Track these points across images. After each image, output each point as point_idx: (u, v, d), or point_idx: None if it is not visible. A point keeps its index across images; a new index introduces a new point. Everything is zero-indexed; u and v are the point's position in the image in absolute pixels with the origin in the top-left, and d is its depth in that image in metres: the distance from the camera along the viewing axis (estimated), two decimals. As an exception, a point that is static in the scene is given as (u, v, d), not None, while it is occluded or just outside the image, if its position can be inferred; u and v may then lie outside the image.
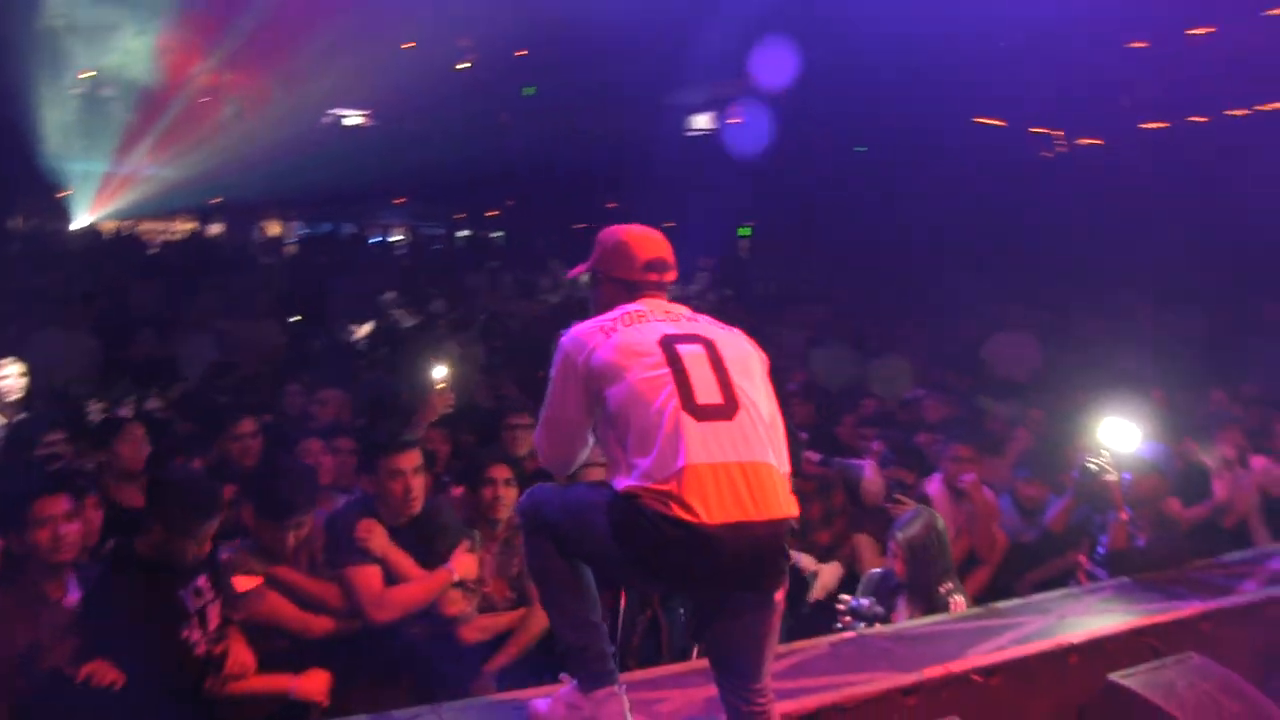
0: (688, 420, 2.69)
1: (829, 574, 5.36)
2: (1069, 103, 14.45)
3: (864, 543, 5.35)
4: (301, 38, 17.80)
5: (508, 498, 4.67)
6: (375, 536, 4.32)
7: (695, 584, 2.74)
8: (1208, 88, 12.65)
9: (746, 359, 2.91)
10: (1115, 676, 3.56)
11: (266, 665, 4.02)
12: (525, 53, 21.46)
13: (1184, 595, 4.23)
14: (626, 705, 2.94)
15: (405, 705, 4.02)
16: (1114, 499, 4.59)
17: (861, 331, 11.67)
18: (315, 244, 18.76)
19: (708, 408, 2.73)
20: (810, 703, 3.29)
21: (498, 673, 4.46)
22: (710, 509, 2.60)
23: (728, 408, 2.75)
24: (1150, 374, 8.97)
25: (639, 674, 3.59)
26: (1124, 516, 4.58)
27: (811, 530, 5.45)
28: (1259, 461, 6.36)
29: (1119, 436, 4.56)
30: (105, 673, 3.64)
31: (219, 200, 19.16)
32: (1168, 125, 13.42)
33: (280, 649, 4.19)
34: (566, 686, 3.04)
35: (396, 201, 22.91)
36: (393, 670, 4.34)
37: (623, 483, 2.68)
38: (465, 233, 22.88)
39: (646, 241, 3.09)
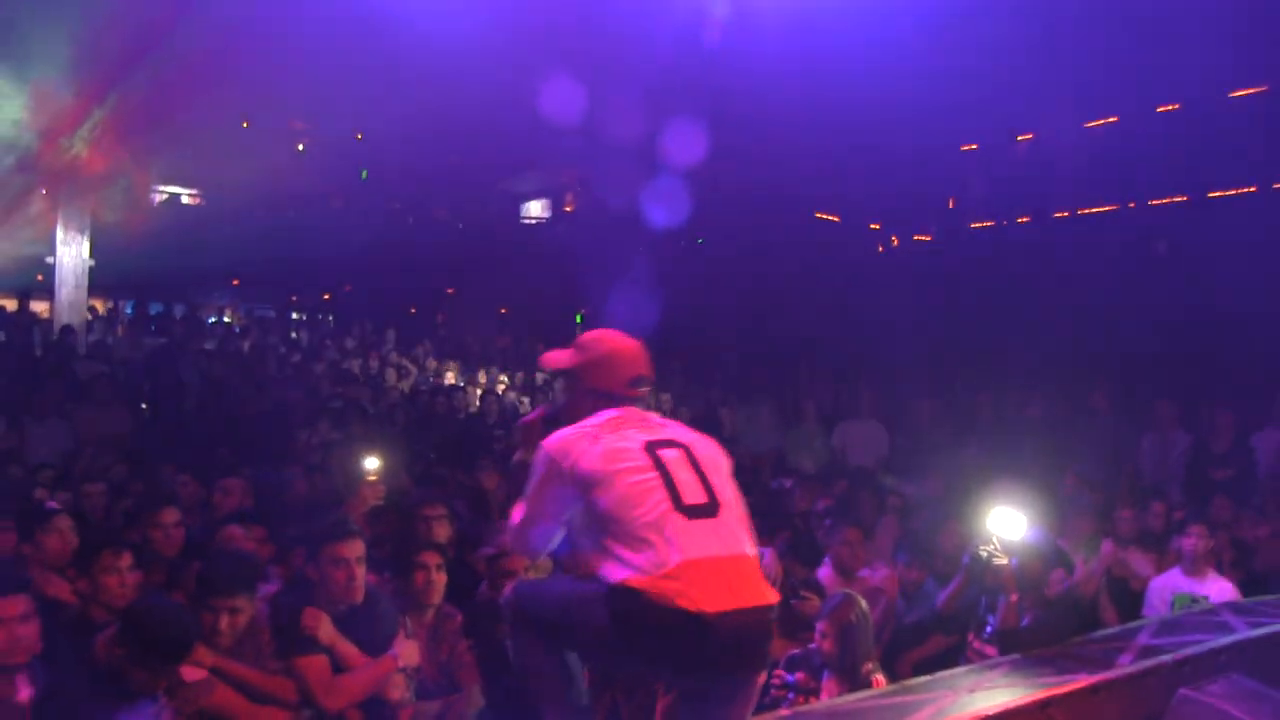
0: (679, 519, 2.89)
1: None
2: (901, 200, 15.45)
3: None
4: (132, 115, 17.28)
5: (439, 583, 4.76)
6: (322, 625, 4.36)
7: (692, 669, 2.87)
8: (1035, 189, 13.82)
9: (717, 459, 3.17)
10: (1032, 748, 3.84)
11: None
12: (360, 136, 21.45)
13: (1073, 669, 4.58)
14: None
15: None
16: (1005, 583, 4.95)
17: (718, 420, 12.05)
18: (149, 323, 18.00)
19: (694, 507, 2.95)
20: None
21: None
22: (707, 598, 2.78)
23: (711, 506, 2.97)
24: (990, 460, 9.65)
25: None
26: (1014, 599, 4.94)
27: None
28: (1107, 545, 6.93)
29: (1007, 524, 4.94)
30: None
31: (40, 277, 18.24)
32: (993, 224, 14.53)
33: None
34: None
35: (233, 283, 22.28)
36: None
37: (618, 575, 2.80)
38: (297, 315, 22.37)
39: (632, 358, 3.27)
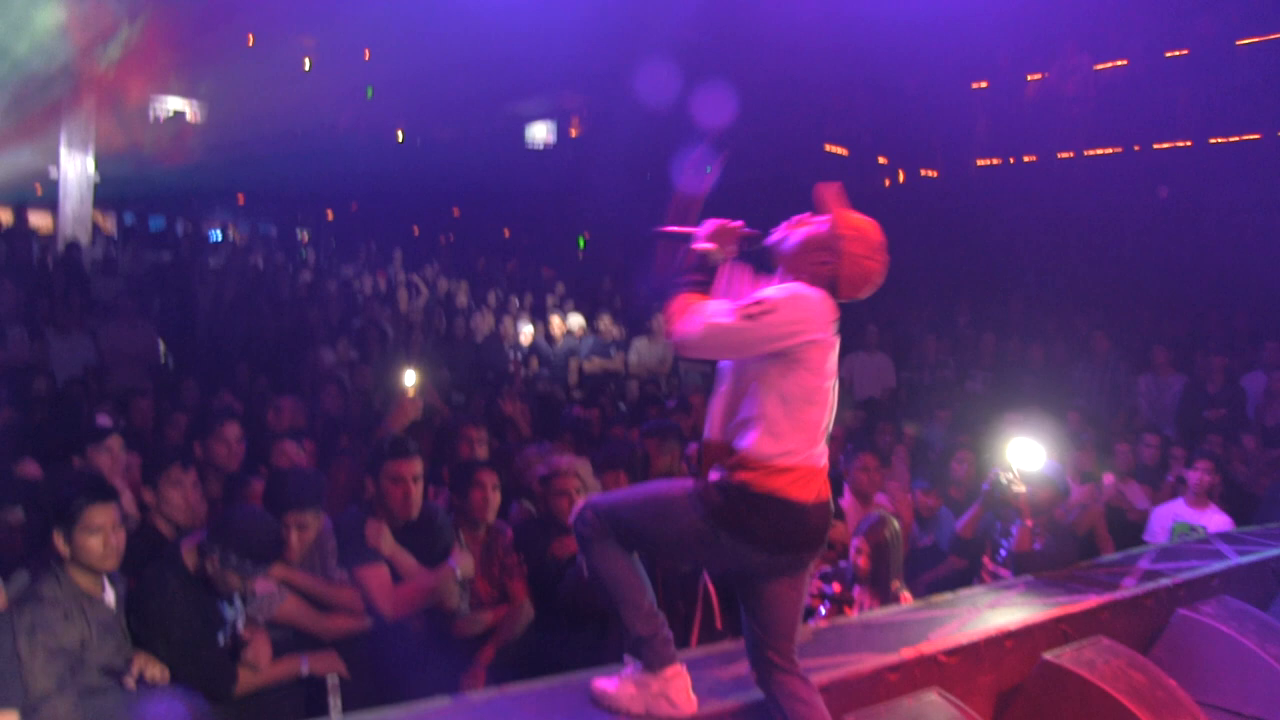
0: (823, 436, 3.30)
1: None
2: (911, 136, 15.62)
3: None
4: (142, 26, 17.21)
5: (495, 501, 5.05)
6: (384, 537, 4.64)
7: (787, 549, 3.24)
8: (1040, 130, 14.02)
9: None
10: (1048, 655, 4.27)
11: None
12: (368, 54, 21.37)
13: (1082, 590, 5.01)
14: (689, 679, 3.42)
15: (411, 697, 4.39)
16: (1020, 509, 5.35)
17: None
18: (151, 238, 18.08)
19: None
20: (817, 680, 3.83)
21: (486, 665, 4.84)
22: (816, 492, 3.24)
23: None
24: (994, 396, 10.04)
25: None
26: (1029, 524, 5.34)
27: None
28: (1108, 478, 7.35)
29: (1026, 454, 5.33)
30: (152, 668, 3.88)
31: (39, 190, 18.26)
32: (1000, 162, 14.74)
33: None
34: (630, 668, 3.47)
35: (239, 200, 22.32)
36: (397, 663, 4.65)
37: (763, 448, 3.18)
38: (305, 233, 22.46)
39: (873, 282, 3.39)
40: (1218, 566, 5.58)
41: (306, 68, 21.32)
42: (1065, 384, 10.18)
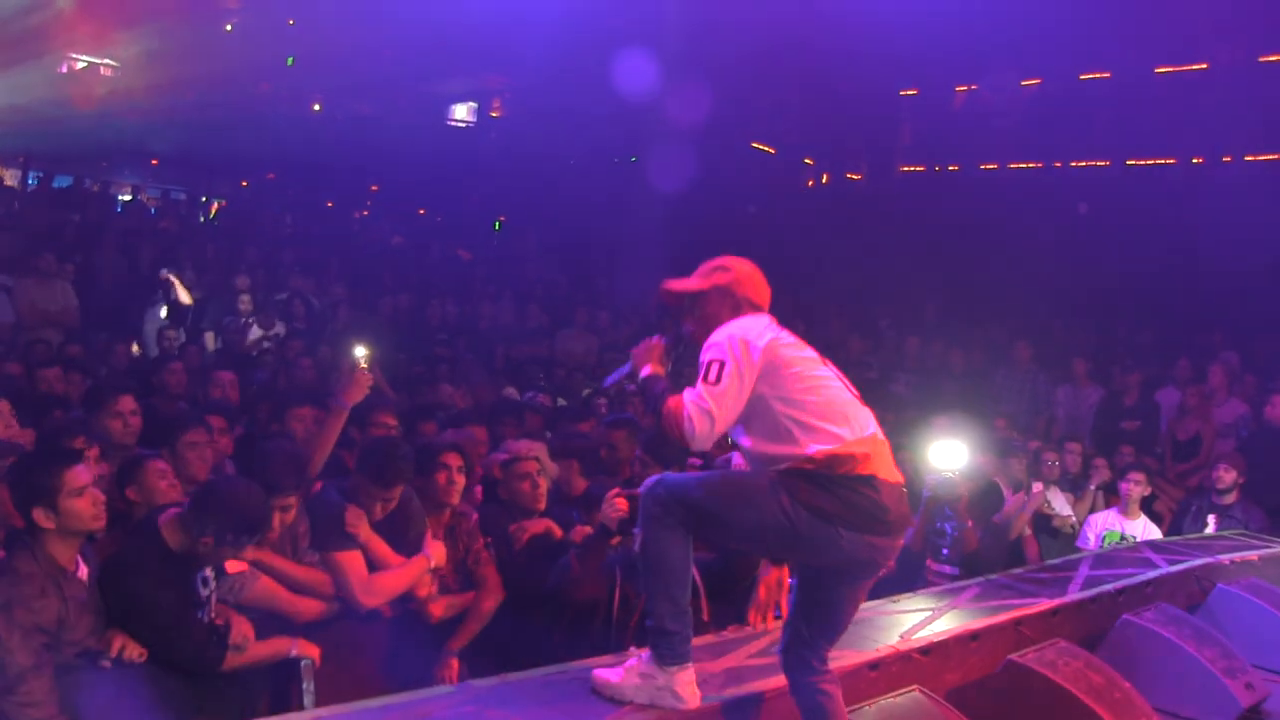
0: (856, 403, 3.41)
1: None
2: (838, 138, 15.91)
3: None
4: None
5: (460, 484, 5.01)
6: (361, 524, 4.58)
7: (873, 533, 3.28)
8: (965, 140, 14.43)
9: None
10: (1015, 656, 4.44)
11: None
12: (292, 22, 20.90)
13: (1033, 592, 5.23)
14: (694, 675, 3.47)
15: (382, 682, 4.36)
16: (959, 511, 5.55)
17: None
18: (59, 197, 17.40)
19: (856, 395, 3.46)
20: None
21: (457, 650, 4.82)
22: (889, 470, 3.33)
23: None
24: (916, 398, 10.31)
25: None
26: (969, 524, 5.54)
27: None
28: (1037, 485, 7.62)
29: (949, 455, 5.53)
30: (131, 647, 3.78)
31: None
32: (924, 170, 15.12)
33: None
34: (636, 659, 3.51)
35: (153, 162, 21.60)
36: (367, 649, 4.61)
37: (811, 447, 3.26)
38: (219, 202, 21.88)
39: (762, 279, 3.67)
40: (1152, 574, 5.86)
41: (228, 29, 20.72)
42: (987, 390, 10.49)
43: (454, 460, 5.04)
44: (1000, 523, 6.77)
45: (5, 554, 3.83)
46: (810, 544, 3.29)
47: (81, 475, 3.77)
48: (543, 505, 5.30)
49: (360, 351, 6.08)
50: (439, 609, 4.84)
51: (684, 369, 3.66)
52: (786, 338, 3.45)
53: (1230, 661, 5.02)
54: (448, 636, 4.81)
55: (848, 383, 3.49)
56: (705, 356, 3.37)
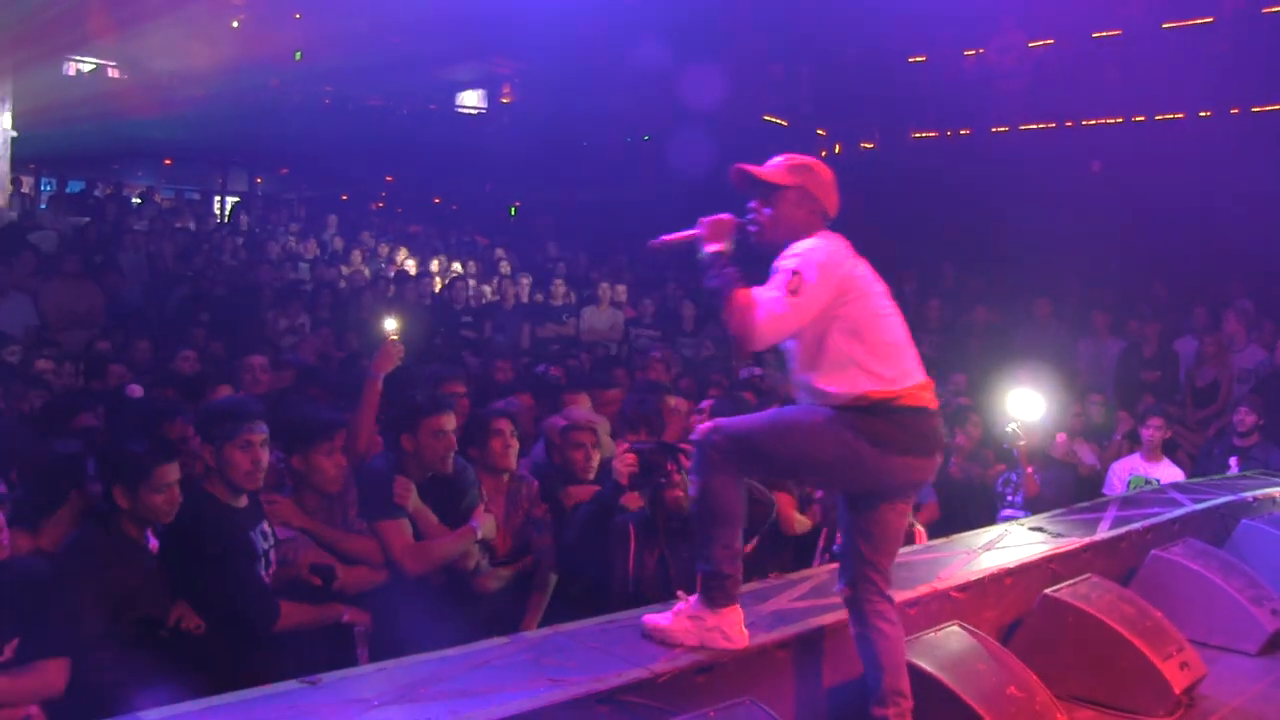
0: (910, 344, 3.54)
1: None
2: (849, 108, 15.95)
3: (783, 500, 6.15)
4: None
5: (515, 448, 5.16)
6: (409, 494, 4.72)
7: (925, 455, 3.46)
8: (976, 104, 14.48)
9: None
10: (1049, 591, 4.58)
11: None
12: (299, 16, 21.03)
13: (1065, 533, 5.37)
14: (742, 616, 3.62)
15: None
16: (1020, 459, 5.70)
17: (680, 311, 12.58)
18: (73, 202, 17.60)
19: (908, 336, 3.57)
20: (845, 615, 4.05)
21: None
22: (932, 399, 3.50)
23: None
24: (941, 357, 10.44)
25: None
26: (1029, 470, 5.69)
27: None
28: (1060, 436, 7.74)
29: (1026, 405, 5.68)
30: (189, 617, 3.95)
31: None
32: (936, 135, 15.17)
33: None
34: (685, 603, 3.65)
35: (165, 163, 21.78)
36: (417, 619, 4.74)
37: (865, 386, 3.37)
38: (233, 199, 22.04)
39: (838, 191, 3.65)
40: (1178, 512, 6.00)
41: (235, 26, 20.84)
42: (1009, 346, 10.60)
43: (505, 426, 5.18)
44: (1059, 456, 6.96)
45: (80, 527, 4.01)
46: (874, 473, 3.41)
47: (170, 473, 3.96)
48: (592, 475, 5.38)
49: (391, 324, 6.25)
50: (491, 581, 4.97)
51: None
52: (865, 269, 3.51)
53: (1257, 590, 5.17)
54: (500, 607, 4.95)
55: (904, 322, 3.58)
56: (787, 264, 3.37)
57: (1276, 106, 12.35)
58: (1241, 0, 12.76)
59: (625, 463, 4.60)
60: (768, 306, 3.31)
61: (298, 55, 21.90)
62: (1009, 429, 5.72)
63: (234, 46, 19.90)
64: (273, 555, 4.28)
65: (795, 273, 3.32)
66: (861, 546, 3.55)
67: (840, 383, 3.40)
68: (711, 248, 3.53)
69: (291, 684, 3.26)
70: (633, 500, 4.82)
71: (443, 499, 4.88)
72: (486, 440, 5.12)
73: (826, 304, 3.36)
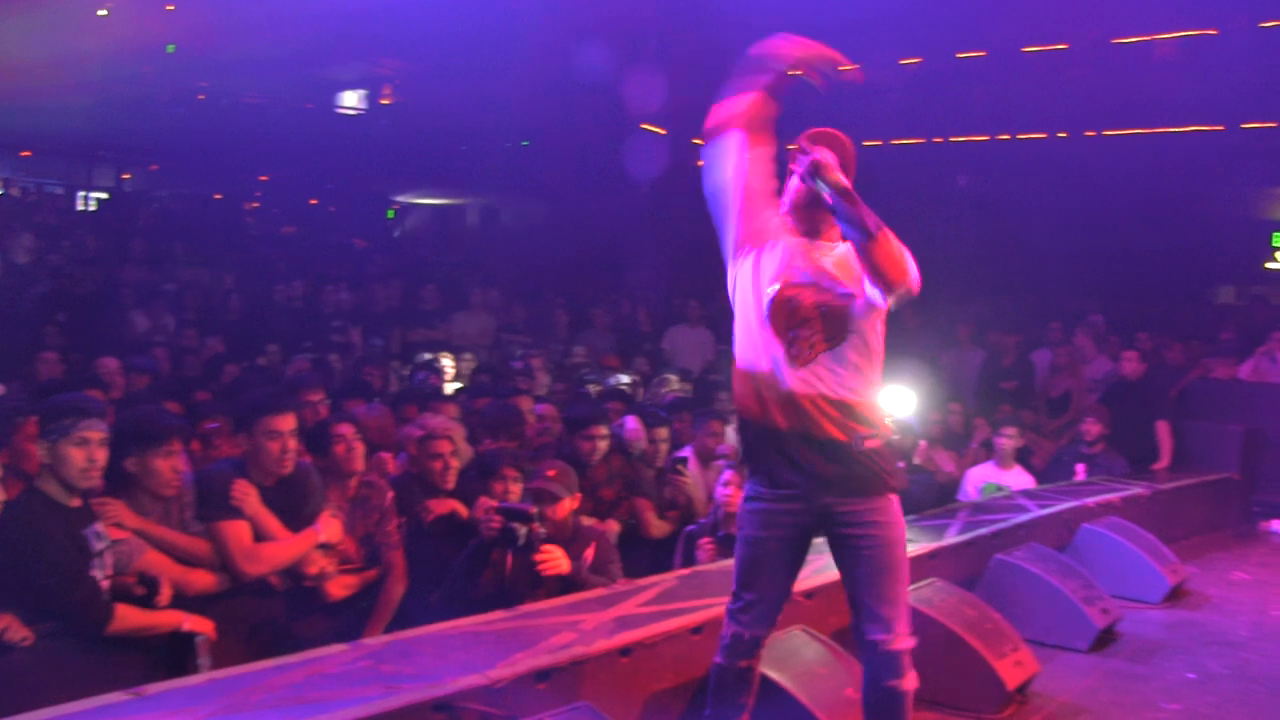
0: None
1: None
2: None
3: (643, 505, 6.19)
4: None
5: (359, 450, 5.06)
6: (249, 497, 4.59)
7: None
8: (849, 117, 14.78)
9: None
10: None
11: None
12: (173, 8, 20.40)
13: (915, 537, 5.49)
14: None
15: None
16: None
17: (554, 318, 12.55)
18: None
19: None
20: (689, 620, 4.09)
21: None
22: None
23: None
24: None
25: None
26: (900, 466, 5.82)
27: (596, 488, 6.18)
28: (921, 444, 7.95)
29: (898, 401, 5.78)
30: (15, 629, 3.76)
31: None
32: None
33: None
34: None
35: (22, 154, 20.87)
36: (265, 625, 4.64)
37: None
38: (101, 194, 21.24)
39: None
40: (1024, 518, 6.22)
41: (102, 15, 20.07)
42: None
43: (348, 431, 5.07)
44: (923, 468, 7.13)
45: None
46: None
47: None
48: (451, 485, 5.35)
49: None
50: (337, 588, 4.84)
51: None
52: None
53: (1090, 591, 5.41)
54: (349, 613, 4.86)
55: None
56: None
57: (1127, 131, 12.95)
58: (1095, 29, 13.34)
59: (488, 525, 4.57)
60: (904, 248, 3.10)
61: (170, 48, 21.28)
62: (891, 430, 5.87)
63: (101, 36, 19.20)
64: (109, 557, 4.13)
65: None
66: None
67: (872, 393, 3.35)
68: (845, 181, 3.17)
69: (116, 696, 3.15)
70: None
71: (287, 503, 4.75)
72: (329, 446, 5.02)
73: None
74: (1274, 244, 14.81)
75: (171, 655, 4.24)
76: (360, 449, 5.10)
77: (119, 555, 4.24)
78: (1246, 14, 13.02)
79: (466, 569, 4.70)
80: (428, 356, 9.63)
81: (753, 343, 3.35)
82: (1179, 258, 13.19)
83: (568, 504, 4.73)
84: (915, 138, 14.39)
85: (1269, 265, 14.98)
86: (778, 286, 3.30)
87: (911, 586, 4.75)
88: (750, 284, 3.37)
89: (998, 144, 13.71)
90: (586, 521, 5.20)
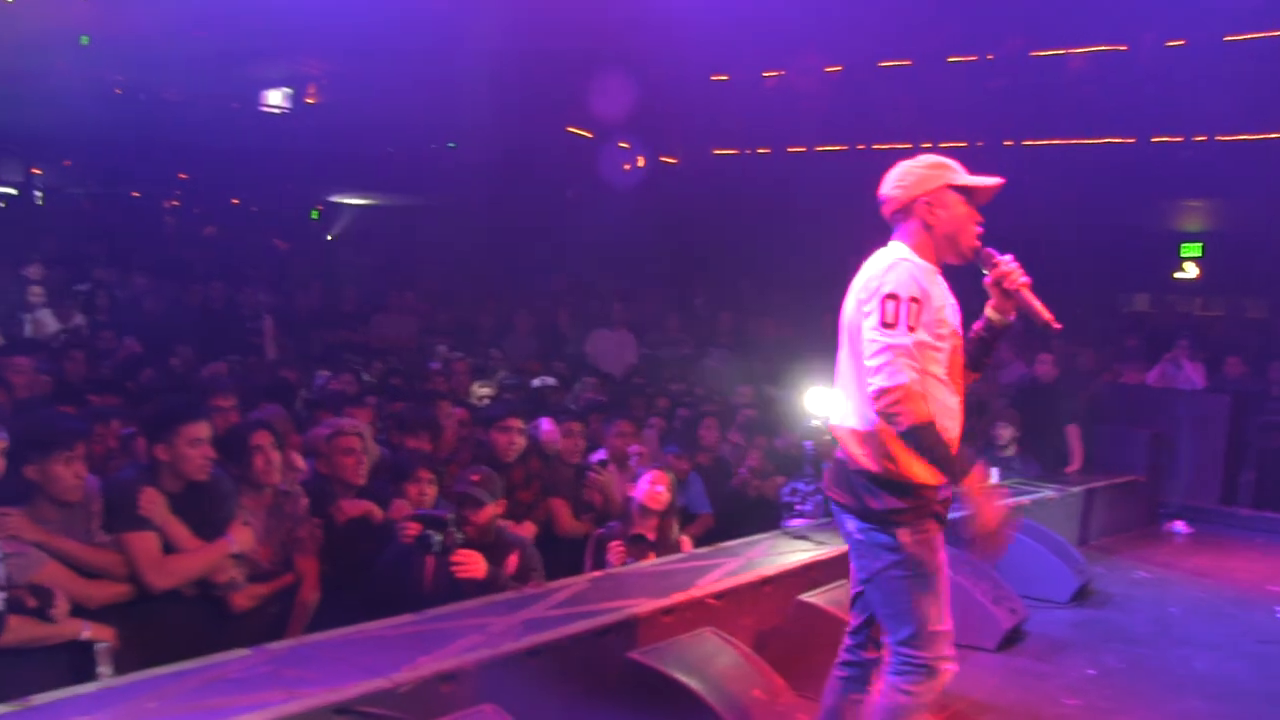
0: None
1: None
2: (653, 122, 16.20)
3: (559, 505, 6.17)
4: None
5: (276, 461, 4.96)
6: (157, 507, 4.48)
7: None
8: (774, 124, 14.95)
9: None
10: (803, 596, 4.73)
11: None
12: (88, -1, 19.84)
13: (826, 542, 5.56)
14: None
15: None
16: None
17: (474, 327, 12.49)
18: None
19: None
20: (598, 622, 4.09)
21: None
22: None
23: None
24: (728, 369, 10.72)
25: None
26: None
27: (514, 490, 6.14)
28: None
29: (824, 402, 5.74)
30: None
31: None
32: (736, 153, 15.59)
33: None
34: None
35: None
36: (171, 632, 4.53)
37: None
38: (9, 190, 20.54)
39: None
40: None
41: (9, 1, 19.46)
42: (798, 360, 10.93)
43: (265, 439, 4.96)
44: None
45: None
46: None
47: None
48: (363, 481, 5.30)
49: None
50: (243, 599, 4.73)
51: None
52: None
53: (999, 592, 5.50)
54: (257, 621, 4.76)
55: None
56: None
57: (1044, 141, 13.24)
58: (1015, 42, 13.64)
59: (404, 532, 4.53)
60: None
61: (84, 40, 20.71)
62: (814, 424, 5.86)
63: (8, 24, 18.61)
64: (2, 569, 3.99)
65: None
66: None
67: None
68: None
69: (1, 709, 3.06)
70: None
71: (198, 511, 4.63)
72: (246, 457, 4.90)
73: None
74: (1182, 254, 15.27)
75: (72, 665, 4.15)
76: (277, 459, 4.99)
77: (11, 568, 4.11)
78: (1155, 32, 13.41)
79: (386, 574, 4.64)
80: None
81: None
82: (1092, 266, 13.53)
83: (491, 509, 4.72)
84: (839, 145, 14.56)
85: (1177, 275, 15.44)
86: None
87: (822, 588, 4.85)
88: None
89: (920, 152, 13.90)
90: (512, 528, 5.18)
